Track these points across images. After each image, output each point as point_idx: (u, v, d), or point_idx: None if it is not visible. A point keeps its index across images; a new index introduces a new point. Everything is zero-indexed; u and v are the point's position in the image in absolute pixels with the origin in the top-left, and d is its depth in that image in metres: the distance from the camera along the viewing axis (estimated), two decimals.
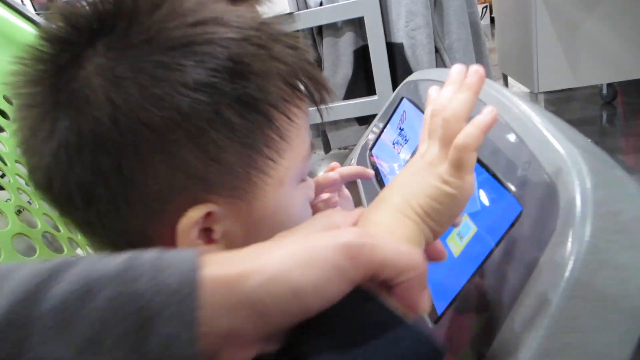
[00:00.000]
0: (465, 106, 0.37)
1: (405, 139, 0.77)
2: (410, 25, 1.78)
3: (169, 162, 0.33)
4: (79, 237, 0.72)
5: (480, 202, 0.47)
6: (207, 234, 0.36)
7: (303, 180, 0.42)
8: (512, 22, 2.45)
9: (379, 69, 1.80)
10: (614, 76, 2.12)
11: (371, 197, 0.80)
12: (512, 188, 0.42)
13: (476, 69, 0.39)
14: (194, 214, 0.34)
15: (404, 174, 0.39)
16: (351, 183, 1.06)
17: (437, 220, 0.35)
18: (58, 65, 0.33)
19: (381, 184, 0.78)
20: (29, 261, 0.30)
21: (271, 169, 0.37)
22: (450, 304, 0.45)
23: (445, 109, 0.38)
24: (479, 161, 0.49)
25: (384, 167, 0.82)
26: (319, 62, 2.04)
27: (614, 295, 0.33)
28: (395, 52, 1.84)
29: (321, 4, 1.86)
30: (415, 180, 0.37)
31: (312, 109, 0.40)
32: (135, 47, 0.33)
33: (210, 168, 0.34)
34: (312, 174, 0.46)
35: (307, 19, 1.84)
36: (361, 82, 1.98)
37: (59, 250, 0.68)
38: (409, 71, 1.76)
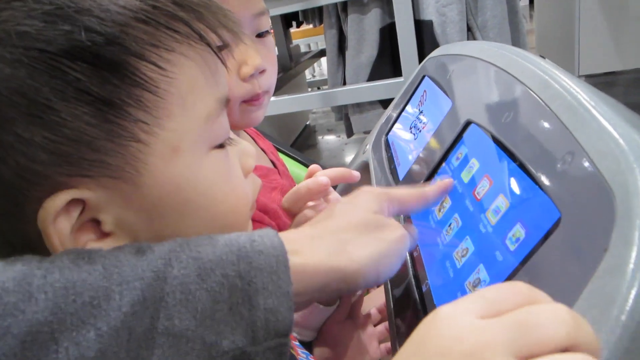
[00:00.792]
0: None
1: (424, 123, 0.66)
2: (440, 1, 1.66)
3: (9, 146, 0.27)
4: None
5: (505, 205, 0.37)
6: (97, 227, 0.30)
7: (220, 146, 0.35)
8: (553, 1, 2.27)
9: (406, 49, 1.69)
10: None
11: (384, 185, 0.70)
12: (549, 187, 0.32)
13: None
14: (52, 204, 0.28)
15: None
16: (364, 170, 0.97)
17: None
18: None
19: (394, 173, 0.68)
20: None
21: (149, 135, 0.30)
22: None
23: None
24: (506, 151, 0.39)
25: (398, 155, 0.72)
26: (343, 41, 1.94)
27: None
28: (424, 30, 1.71)
29: None
30: None
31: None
32: None
33: (63, 147, 0.28)
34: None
35: None
36: (386, 63, 1.87)
37: None
38: None
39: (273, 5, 1.78)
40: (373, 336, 0.62)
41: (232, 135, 0.38)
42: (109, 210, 0.30)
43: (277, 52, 2.69)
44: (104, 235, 0.31)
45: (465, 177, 0.45)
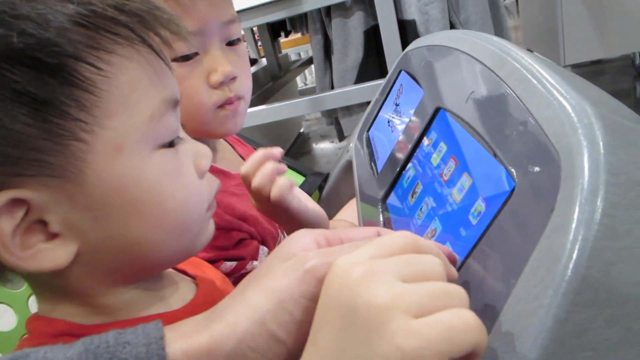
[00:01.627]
0: None
1: (400, 115, 0.67)
2: (422, 0, 1.67)
3: None
4: None
5: (468, 183, 0.37)
6: (44, 228, 0.30)
7: (170, 145, 0.35)
8: None
9: (390, 49, 1.69)
10: None
11: (365, 180, 0.71)
12: (505, 159, 0.33)
13: None
14: None
15: None
16: (347, 169, 0.97)
17: None
18: None
19: (373, 167, 0.69)
20: None
21: (90, 134, 0.30)
22: None
23: None
24: (469, 131, 0.40)
25: (378, 149, 0.73)
26: (329, 45, 1.95)
27: (638, 297, 0.23)
28: (407, 29, 1.72)
29: None
30: None
31: None
32: None
33: (0, 147, 0.28)
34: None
35: (314, 0, 1.75)
36: (373, 65, 1.88)
37: None
38: None
39: (257, 14, 1.79)
40: None
41: (183, 135, 0.38)
42: (55, 210, 0.30)
43: (266, 62, 2.71)
44: (53, 236, 0.31)
45: (435, 161, 0.45)
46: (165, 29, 0.34)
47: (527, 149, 0.31)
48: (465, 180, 0.38)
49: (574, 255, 0.23)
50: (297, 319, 0.28)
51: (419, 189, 0.47)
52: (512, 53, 0.39)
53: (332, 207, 1.04)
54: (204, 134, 0.66)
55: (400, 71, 0.77)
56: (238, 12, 1.57)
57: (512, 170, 0.31)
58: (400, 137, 0.60)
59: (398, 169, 0.55)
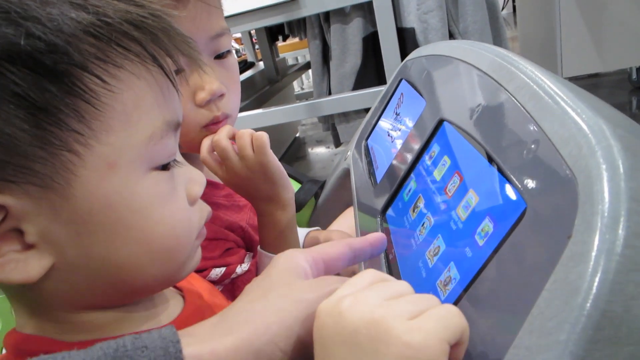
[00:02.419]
0: None
1: (401, 125, 0.66)
2: (422, 9, 1.66)
3: None
4: None
5: (475, 200, 0.36)
6: (20, 237, 0.29)
7: (164, 167, 0.34)
8: (534, 6, 2.29)
9: (389, 57, 1.68)
10: None
11: (363, 190, 0.69)
12: (516, 178, 0.31)
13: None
14: None
15: None
16: (344, 177, 0.96)
17: None
18: None
19: (372, 177, 0.67)
20: None
21: (84, 147, 0.29)
22: None
23: None
24: (476, 146, 0.38)
25: (377, 158, 0.71)
26: (327, 51, 1.94)
27: None
28: (406, 38, 1.72)
29: None
30: None
31: None
32: None
33: None
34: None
35: (313, 5, 1.73)
36: (371, 71, 1.87)
37: None
38: None
39: (256, 18, 1.78)
40: None
41: (180, 158, 0.37)
42: (34, 220, 0.29)
43: (263, 66, 2.70)
44: (28, 247, 0.30)
45: (438, 175, 0.44)
46: (178, 50, 0.34)
47: (540, 169, 0.29)
48: (471, 198, 0.36)
49: (594, 288, 0.22)
50: None
51: (421, 203, 0.45)
52: (520, 66, 0.38)
53: (327, 214, 1.02)
54: (189, 150, 0.64)
55: (400, 80, 0.76)
56: (236, 15, 1.54)
57: (523, 190, 0.30)
58: (401, 148, 0.59)
59: (398, 181, 0.53)
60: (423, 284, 0.38)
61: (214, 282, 0.60)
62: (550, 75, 0.36)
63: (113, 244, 0.32)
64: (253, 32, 2.80)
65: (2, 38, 0.26)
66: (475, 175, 0.37)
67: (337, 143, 2.10)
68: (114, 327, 0.36)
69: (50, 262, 0.30)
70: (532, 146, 0.30)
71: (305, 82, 4.60)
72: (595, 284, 0.22)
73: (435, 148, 0.47)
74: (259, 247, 0.63)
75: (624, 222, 0.22)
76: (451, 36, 1.68)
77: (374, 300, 0.28)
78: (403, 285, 0.31)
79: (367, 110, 1.89)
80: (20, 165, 0.28)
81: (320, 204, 1.05)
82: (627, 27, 1.89)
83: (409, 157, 0.53)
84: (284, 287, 0.33)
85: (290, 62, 3.89)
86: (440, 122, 0.48)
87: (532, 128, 0.31)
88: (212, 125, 0.60)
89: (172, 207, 0.34)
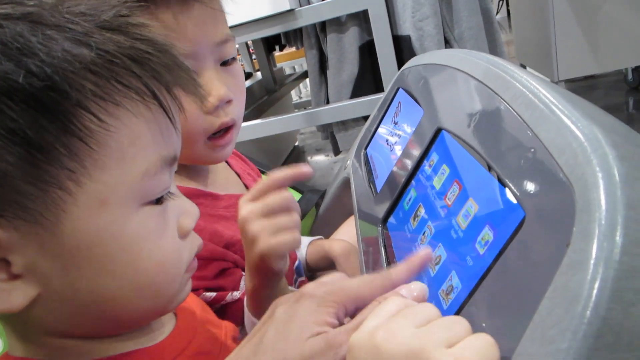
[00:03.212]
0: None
1: (399, 133, 0.66)
2: (417, 16, 1.68)
3: None
4: None
5: (474, 209, 0.36)
6: (7, 267, 0.29)
7: (157, 201, 0.33)
8: (528, 10, 2.31)
9: (386, 64, 1.70)
10: None
11: (364, 198, 0.70)
12: (514, 186, 0.32)
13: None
14: None
15: None
16: (344, 186, 0.96)
17: None
18: None
19: (372, 186, 0.68)
20: None
21: (75, 184, 0.29)
22: None
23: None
24: (474, 154, 0.39)
25: (376, 167, 0.72)
26: (324, 60, 1.95)
27: None
28: (402, 45, 1.73)
29: None
30: None
31: None
32: None
33: None
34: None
35: (309, 15, 1.75)
36: (368, 79, 1.88)
37: None
38: None
39: (253, 29, 1.79)
40: None
41: (175, 191, 0.37)
42: (21, 252, 0.29)
43: (261, 76, 2.71)
44: (14, 276, 0.29)
45: (437, 184, 0.44)
46: (181, 88, 0.34)
47: (537, 177, 0.29)
48: (470, 206, 0.36)
49: (594, 296, 0.22)
50: None
51: (421, 211, 0.46)
52: (516, 75, 0.38)
53: (329, 224, 1.02)
54: (193, 162, 0.64)
55: (398, 88, 0.77)
56: (233, 27, 1.55)
57: (521, 199, 0.30)
58: (400, 157, 0.59)
59: (398, 190, 0.54)
60: None
61: None
62: (546, 83, 0.36)
63: (100, 279, 0.31)
64: (250, 42, 2.82)
65: (1, 73, 0.26)
66: (474, 184, 0.37)
67: (337, 151, 2.11)
68: (105, 347, 0.36)
69: (35, 293, 0.30)
70: (529, 155, 0.31)
71: (303, 91, 4.62)
72: (595, 291, 0.22)
73: (434, 157, 0.48)
74: (245, 306, 0.57)
75: (621, 230, 0.23)
76: (447, 42, 1.70)
77: (407, 329, 0.27)
78: (429, 308, 0.30)
79: (365, 118, 1.89)
80: (9, 199, 0.27)
81: (321, 213, 1.05)
82: (621, 28, 1.90)
83: (409, 166, 0.54)
84: (296, 354, 0.31)
85: (288, 71, 3.91)
86: (438, 131, 0.49)
87: (528, 137, 0.32)
88: (218, 139, 0.59)
89: (162, 242, 0.34)
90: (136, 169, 0.31)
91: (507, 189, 0.32)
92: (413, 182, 0.51)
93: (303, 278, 0.80)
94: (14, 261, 0.29)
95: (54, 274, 0.30)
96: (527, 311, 0.25)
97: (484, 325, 0.29)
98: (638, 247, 0.22)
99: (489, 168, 0.36)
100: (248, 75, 2.80)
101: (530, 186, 0.30)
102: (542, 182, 0.29)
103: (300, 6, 1.77)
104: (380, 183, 0.65)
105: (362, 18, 1.79)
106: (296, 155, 3.12)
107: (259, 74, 2.77)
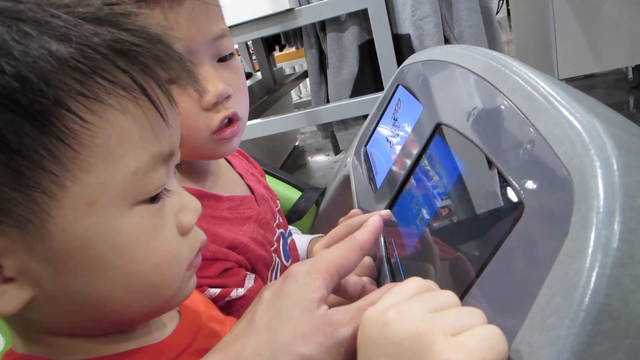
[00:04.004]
0: None
1: (399, 130, 0.66)
2: (416, 15, 1.68)
3: None
4: None
5: (471, 197, 0.36)
6: (0, 270, 0.28)
7: (152, 199, 0.32)
8: (528, 9, 2.31)
9: (385, 63, 1.70)
10: None
11: (364, 195, 0.70)
12: (513, 178, 0.32)
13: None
14: None
15: None
16: (345, 184, 0.96)
17: None
18: None
19: (372, 183, 0.68)
20: None
21: (59, 187, 0.27)
22: None
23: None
24: (467, 141, 0.39)
25: (376, 164, 0.72)
26: (324, 59, 1.95)
27: None
28: (402, 44, 1.73)
29: None
30: None
31: None
32: None
33: None
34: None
35: (309, 15, 1.75)
36: (368, 78, 1.88)
37: None
38: None
39: (252, 29, 1.79)
40: None
41: (173, 186, 0.35)
42: (12, 256, 0.28)
43: (261, 76, 2.72)
44: (7, 280, 0.29)
45: (436, 179, 0.44)
46: (175, 80, 0.32)
47: (536, 168, 0.30)
48: (470, 200, 0.37)
49: (592, 283, 0.22)
50: None
51: (422, 206, 0.46)
52: (514, 69, 0.38)
53: (329, 221, 1.02)
54: (198, 157, 0.63)
55: (397, 85, 0.77)
56: (232, 26, 1.55)
57: (520, 190, 0.30)
58: (400, 153, 0.60)
59: (398, 186, 0.54)
60: None
61: None
62: (544, 76, 0.36)
63: (94, 281, 0.30)
64: (250, 43, 2.82)
65: None
66: (474, 178, 0.37)
67: (337, 150, 2.11)
68: (108, 346, 0.35)
69: (29, 296, 0.30)
70: (528, 146, 0.31)
71: (303, 90, 4.62)
72: (593, 279, 0.22)
73: (433, 152, 0.48)
74: None
75: (619, 218, 0.23)
76: (446, 41, 1.70)
77: (419, 312, 0.28)
78: (448, 296, 0.30)
79: (365, 117, 1.90)
80: None
81: (321, 211, 1.05)
82: (621, 26, 1.90)
83: (408, 162, 0.54)
84: (288, 332, 0.32)
85: (288, 71, 3.91)
86: (437, 126, 0.49)
87: (527, 129, 0.32)
88: (223, 130, 0.58)
89: (158, 242, 0.32)
90: (125, 168, 0.30)
91: (505, 181, 0.32)
92: (413, 177, 0.52)
93: None
94: (5, 265, 0.28)
95: (46, 277, 0.29)
96: (526, 300, 0.25)
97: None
98: (636, 234, 0.23)
99: (488, 160, 0.36)
100: (248, 76, 2.80)
101: (528, 177, 0.30)
102: (541, 173, 0.29)
103: (300, 5, 1.77)
104: (380, 180, 0.65)
105: (361, 17, 1.79)
106: (296, 155, 3.13)
107: (259, 74, 2.78)
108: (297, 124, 2.01)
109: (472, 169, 0.38)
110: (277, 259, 0.70)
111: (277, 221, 0.74)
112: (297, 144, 3.30)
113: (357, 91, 1.86)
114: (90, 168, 0.28)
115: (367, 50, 1.83)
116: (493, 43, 1.73)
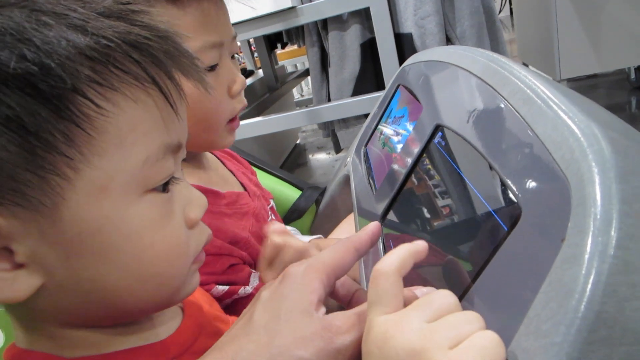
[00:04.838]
0: None
1: (398, 131, 0.66)
2: (419, 14, 1.67)
3: None
4: None
5: (469, 199, 0.36)
6: (10, 256, 0.29)
7: (162, 189, 0.33)
8: (531, 8, 2.30)
9: (387, 62, 1.69)
10: None
11: (363, 195, 0.70)
12: (511, 182, 0.32)
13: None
14: None
15: None
16: (344, 183, 0.96)
17: None
18: None
19: (372, 183, 0.68)
20: None
21: (74, 171, 0.28)
22: None
23: None
24: (466, 143, 0.39)
25: (376, 165, 0.72)
26: (325, 58, 1.95)
27: None
28: (404, 43, 1.73)
29: None
30: None
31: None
32: None
33: None
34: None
35: (311, 13, 1.75)
36: (370, 77, 1.87)
37: None
38: None
39: (254, 27, 1.79)
40: None
41: (183, 179, 0.36)
42: (23, 241, 0.29)
43: (263, 74, 2.71)
44: (18, 266, 0.29)
45: (435, 179, 0.44)
46: (183, 74, 0.33)
47: (534, 173, 0.29)
48: (468, 202, 0.36)
49: (588, 290, 0.22)
50: None
51: (420, 207, 0.46)
52: (514, 71, 0.38)
53: (328, 221, 1.02)
54: (204, 147, 0.66)
55: (398, 86, 0.77)
56: (235, 24, 1.56)
57: (518, 194, 0.30)
58: (399, 153, 0.60)
59: (397, 186, 0.54)
60: None
61: (215, 299, 0.59)
62: (544, 79, 0.36)
63: (103, 268, 0.31)
64: (252, 41, 2.82)
65: (4, 64, 0.26)
66: (472, 180, 0.37)
67: (338, 149, 2.11)
68: (111, 342, 0.35)
69: (39, 282, 0.30)
70: (526, 150, 0.31)
71: (305, 88, 4.61)
72: (589, 286, 0.22)
73: (432, 153, 0.48)
74: None
75: (616, 224, 0.23)
76: (448, 41, 1.69)
77: (416, 326, 0.28)
78: (446, 297, 0.29)
79: (366, 115, 1.89)
80: (7, 187, 0.27)
81: (321, 210, 1.05)
82: (624, 27, 1.89)
83: (408, 162, 0.54)
84: (287, 335, 0.32)
85: (289, 69, 3.91)
86: (437, 128, 0.49)
87: (526, 132, 0.32)
88: (233, 121, 0.65)
89: (166, 231, 0.33)
90: (136, 155, 0.31)
91: (503, 185, 0.32)
92: (412, 177, 0.51)
93: None
94: (16, 250, 0.29)
95: (56, 264, 0.30)
96: (522, 306, 0.25)
97: None
98: (632, 241, 0.22)
99: (487, 164, 0.36)
100: (250, 73, 2.80)
101: (526, 181, 0.30)
102: (539, 177, 0.29)
103: (302, 3, 1.77)
104: (379, 180, 0.65)
105: (363, 15, 1.79)
106: (297, 153, 3.13)
107: (260, 72, 2.77)
108: (298, 122, 2.01)
109: (470, 171, 0.38)
110: None
111: (270, 218, 0.75)
112: (298, 142, 3.30)
113: (358, 90, 1.86)
114: (103, 153, 0.29)
115: (369, 49, 1.83)
116: (495, 42, 1.72)
